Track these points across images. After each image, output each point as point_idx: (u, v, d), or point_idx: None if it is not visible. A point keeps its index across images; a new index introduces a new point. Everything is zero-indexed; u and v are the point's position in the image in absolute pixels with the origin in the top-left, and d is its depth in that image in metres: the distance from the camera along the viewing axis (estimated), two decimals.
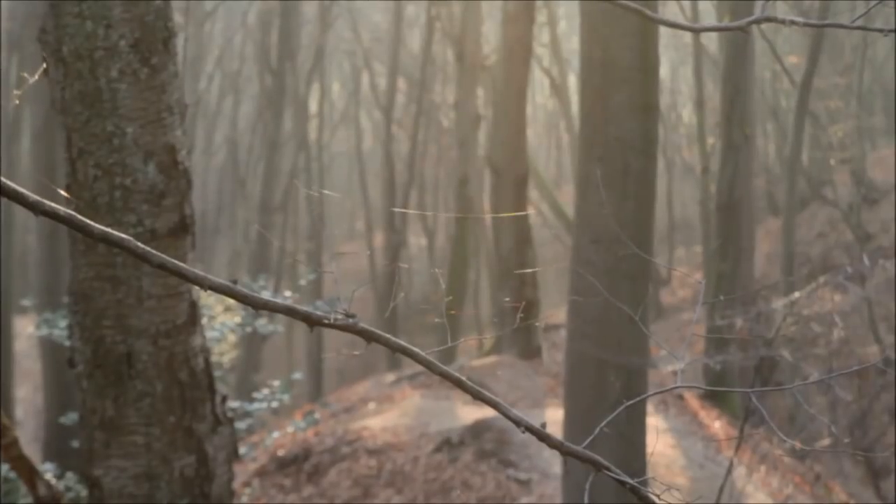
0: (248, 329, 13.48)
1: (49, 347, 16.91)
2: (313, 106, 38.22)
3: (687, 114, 40.42)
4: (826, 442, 16.53)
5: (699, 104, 24.26)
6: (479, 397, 2.58)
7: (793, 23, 2.79)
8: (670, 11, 26.33)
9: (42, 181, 16.09)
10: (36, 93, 16.81)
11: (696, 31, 3.41)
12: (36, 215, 2.35)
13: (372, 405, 16.72)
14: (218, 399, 5.94)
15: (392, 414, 15.33)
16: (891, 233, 24.50)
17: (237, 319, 13.24)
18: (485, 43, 24.08)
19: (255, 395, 13.33)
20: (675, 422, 15.52)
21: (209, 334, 12.06)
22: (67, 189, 5.56)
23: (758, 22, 2.97)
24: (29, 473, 6.46)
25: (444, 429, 13.92)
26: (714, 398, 17.68)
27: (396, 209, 28.93)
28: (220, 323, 12.98)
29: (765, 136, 36.18)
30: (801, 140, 22.53)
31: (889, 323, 21.10)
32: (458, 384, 2.59)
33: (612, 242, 8.70)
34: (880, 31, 2.90)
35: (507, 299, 18.68)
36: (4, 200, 2.33)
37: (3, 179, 2.28)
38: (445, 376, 2.55)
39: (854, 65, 27.60)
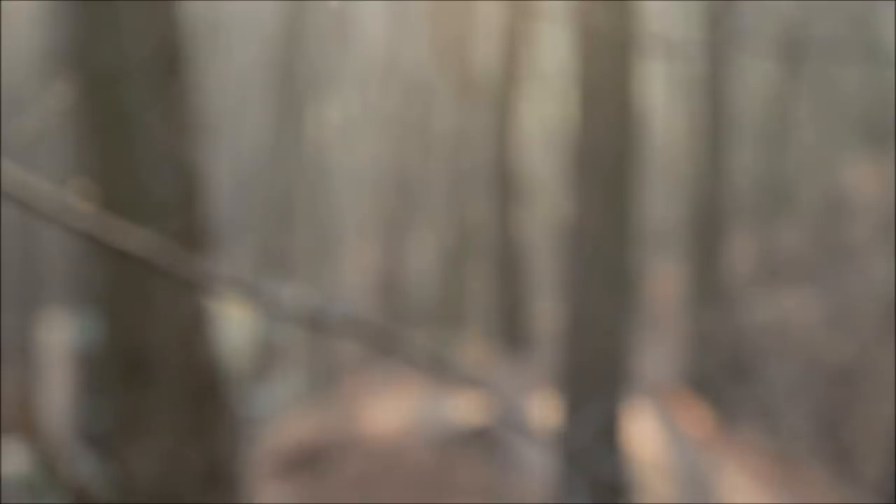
0: (261, 331, 13.52)
1: (70, 349, 16.94)
2: (322, 117, 38.21)
3: (670, 123, 40.37)
4: (803, 441, 16.55)
5: (681, 114, 24.29)
6: (475, 394, 2.62)
7: (764, 49, 2.83)
8: (649, 20, 26.31)
9: (64, 193, 16.09)
10: (58, 108, 16.81)
11: (676, 57, 3.46)
12: (57, 226, 2.38)
13: (372, 403, 16.73)
14: (229, 398, 5.98)
15: (392, 412, 15.34)
16: (864, 240, 24.49)
17: (250, 322, 13.28)
18: (483, 59, 24.14)
19: (263, 393, 13.36)
20: (658, 420, 15.53)
21: (221, 337, 12.07)
22: (87, 200, 5.58)
23: (732, 42, 3.01)
24: (57, 466, 6.48)
25: (443, 426, 13.93)
26: (695, 397, 17.70)
27: (399, 214, 29.00)
28: (232, 326, 13.02)
29: (744, 144, 36.09)
30: (777, 148, 22.56)
31: (864, 326, 21.10)
32: (457, 383, 2.62)
33: (598, 247, 8.77)
34: (852, 58, 2.94)
35: (502, 301, 18.75)
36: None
37: (24, 191, 2.31)
38: (445, 374, 2.58)
39: (828, 74, 27.60)
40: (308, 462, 13.79)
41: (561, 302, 9.32)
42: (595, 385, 8.63)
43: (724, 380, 16.40)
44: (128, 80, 5.37)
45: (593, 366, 8.70)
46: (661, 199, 40.36)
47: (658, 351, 20.27)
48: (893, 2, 15.31)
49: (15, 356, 18.00)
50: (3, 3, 19.84)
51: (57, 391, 22.59)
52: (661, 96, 42.93)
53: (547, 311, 26.89)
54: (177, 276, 2.47)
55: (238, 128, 39.67)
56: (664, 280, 31.70)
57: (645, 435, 14.05)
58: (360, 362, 29.84)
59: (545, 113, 32.44)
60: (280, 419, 17.22)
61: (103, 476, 6.02)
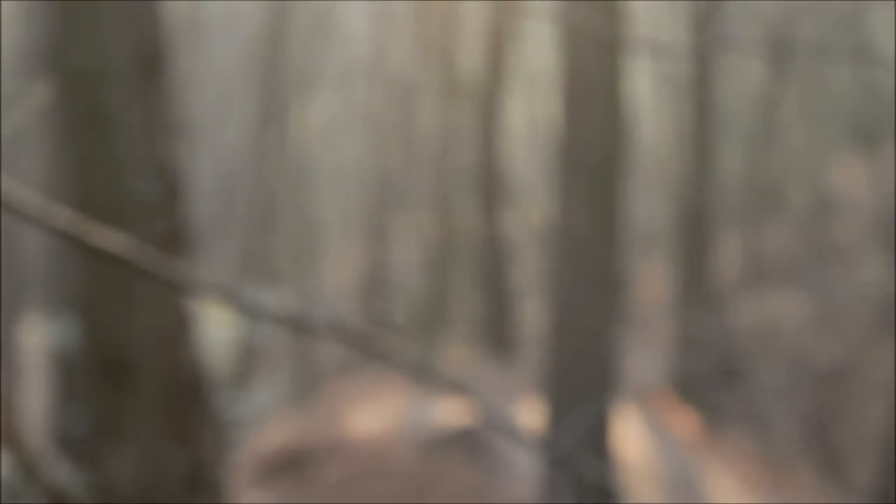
0: (242, 335, 13.51)
1: (50, 352, 16.89)
2: (304, 119, 38.19)
3: (656, 127, 40.40)
4: (790, 443, 16.58)
5: (667, 118, 24.33)
6: (460, 398, 2.61)
7: (751, 51, 2.82)
8: (635, 23, 26.33)
9: (44, 194, 16.05)
10: (38, 108, 16.75)
11: (663, 58, 3.45)
12: (39, 228, 2.37)
13: (356, 406, 16.72)
14: (212, 402, 5.96)
15: (377, 415, 15.33)
16: (851, 241, 24.54)
17: (231, 326, 13.26)
18: (468, 60, 24.16)
19: (247, 397, 13.35)
20: (645, 423, 15.55)
21: (203, 340, 12.06)
22: (68, 201, 5.56)
23: (719, 44, 3.00)
24: (36, 469, 6.45)
25: (428, 430, 13.93)
26: (683, 399, 17.72)
27: (382, 218, 29.01)
28: (215, 330, 13.00)
29: (730, 147, 36.14)
30: (763, 152, 22.62)
31: (850, 328, 21.14)
32: (442, 386, 2.62)
33: (586, 250, 8.76)
34: (840, 59, 2.93)
35: (488, 305, 18.75)
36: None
37: (6, 193, 2.29)
38: (429, 378, 2.57)
39: (813, 76, 27.67)
40: (292, 465, 13.77)
41: (547, 304, 9.32)
42: (582, 388, 8.63)
43: (711, 382, 16.41)
44: (107, 79, 5.36)
45: (580, 368, 8.70)
46: (649, 200, 40.50)
47: (645, 353, 20.28)
48: (893, 1, 15.32)
49: None
50: (2, 2, 19.79)
51: (37, 395, 22.55)
52: (648, 97, 43.03)
53: (533, 313, 26.90)
54: (158, 279, 2.45)
55: (220, 128, 39.60)
56: (651, 281, 31.75)
57: (632, 438, 14.06)
58: (343, 365, 29.83)
59: (531, 114, 32.49)
60: (264, 423, 17.20)
61: (84, 480, 6.01)
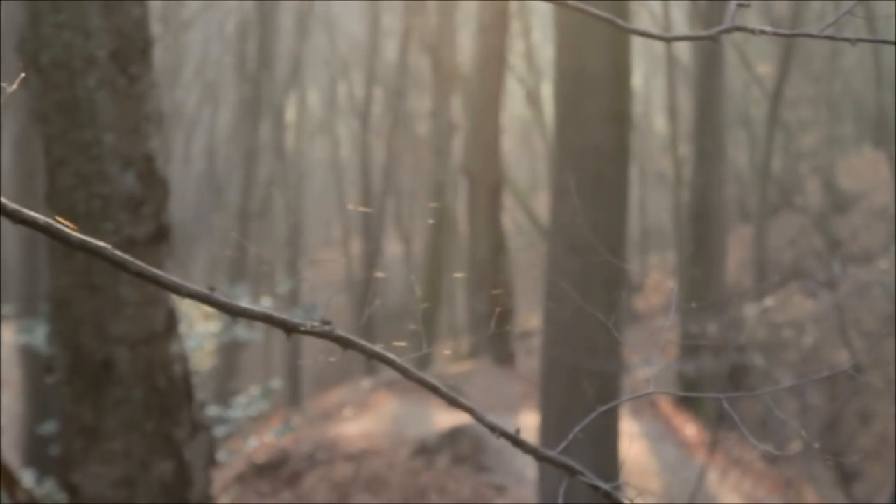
0: (226, 337, 13.45)
1: (28, 355, 16.85)
2: (291, 115, 38.19)
3: (659, 122, 40.43)
4: (797, 446, 16.57)
5: (672, 113, 24.30)
6: (454, 403, 2.58)
7: (763, 32, 2.79)
8: (642, 19, 26.35)
9: (21, 190, 16.03)
10: (15, 102, 16.72)
11: (667, 41, 3.41)
12: (14, 223, 2.34)
13: (349, 411, 16.69)
14: (196, 405, 5.93)
15: (369, 420, 15.31)
16: (860, 239, 24.56)
17: (215, 327, 13.21)
18: (460, 52, 24.12)
19: (233, 401, 13.32)
20: (648, 427, 15.53)
21: (187, 341, 12.01)
22: (46, 197, 5.53)
23: (728, 31, 2.97)
24: (8, 478, 6.44)
25: (421, 434, 13.91)
26: (687, 403, 17.71)
27: (372, 216, 28.95)
28: (198, 330, 12.95)
29: (736, 144, 36.22)
30: (771, 148, 22.63)
31: (858, 328, 21.16)
32: (434, 390, 2.58)
33: (585, 249, 8.72)
34: (849, 40, 2.90)
35: (483, 306, 18.71)
36: None
37: None
38: (421, 382, 2.54)
39: (824, 73, 27.71)
40: (285, 467, 13.77)
41: (547, 303, 9.28)
42: (583, 388, 8.59)
43: (717, 383, 16.39)
44: (88, 72, 5.34)
45: (581, 369, 8.66)
46: (654, 196, 40.46)
47: (650, 353, 20.27)
48: (893, 1, 15.33)
49: None
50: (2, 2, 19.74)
51: (12, 398, 22.51)
52: (654, 89, 42.97)
53: (532, 312, 26.92)
54: (140, 277, 2.42)
55: (206, 122, 39.57)
56: (656, 279, 31.71)
57: (635, 440, 14.04)
58: (337, 366, 29.75)
59: (530, 105, 32.45)
60: (255, 424, 17.18)
61: (62, 485, 5.98)
